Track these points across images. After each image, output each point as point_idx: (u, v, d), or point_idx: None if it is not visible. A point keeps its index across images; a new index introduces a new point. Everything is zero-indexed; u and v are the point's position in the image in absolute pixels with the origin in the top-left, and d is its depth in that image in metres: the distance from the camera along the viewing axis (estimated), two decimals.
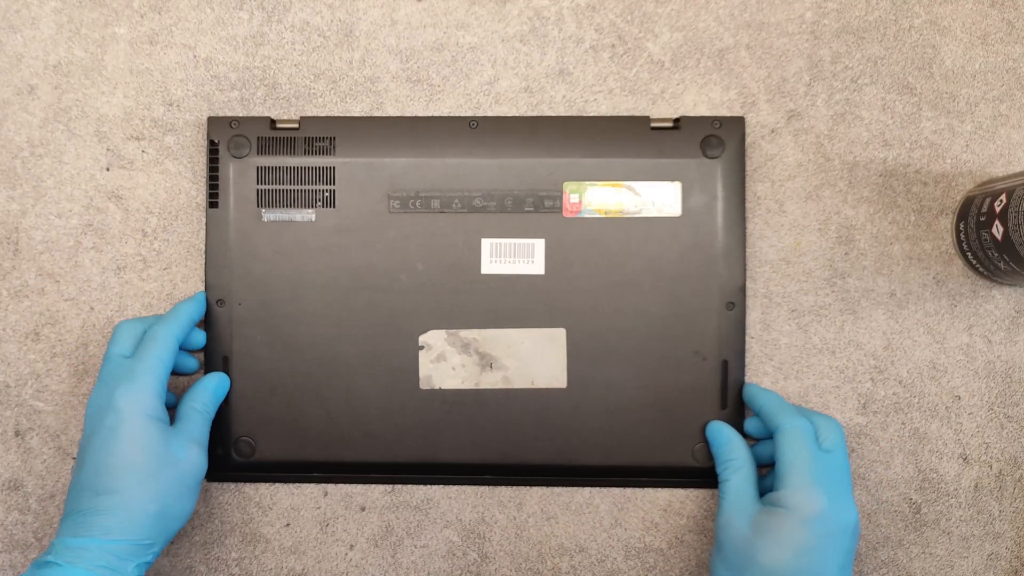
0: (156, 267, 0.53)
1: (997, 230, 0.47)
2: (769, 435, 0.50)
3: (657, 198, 0.52)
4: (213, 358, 0.52)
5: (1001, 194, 0.47)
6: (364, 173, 0.52)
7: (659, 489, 0.53)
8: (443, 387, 0.52)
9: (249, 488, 0.53)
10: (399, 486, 0.53)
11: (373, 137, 0.52)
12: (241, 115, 0.53)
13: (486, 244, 0.52)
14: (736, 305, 0.52)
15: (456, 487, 0.53)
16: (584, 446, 0.52)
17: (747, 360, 0.53)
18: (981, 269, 0.51)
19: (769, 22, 0.53)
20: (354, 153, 0.52)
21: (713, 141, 0.52)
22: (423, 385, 0.52)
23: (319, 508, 0.53)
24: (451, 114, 0.53)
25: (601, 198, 0.52)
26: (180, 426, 0.48)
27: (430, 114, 0.53)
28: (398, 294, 0.52)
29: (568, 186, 0.52)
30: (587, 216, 0.52)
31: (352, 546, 0.53)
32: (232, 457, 0.52)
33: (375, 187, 0.52)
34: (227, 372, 0.52)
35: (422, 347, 0.52)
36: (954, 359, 0.53)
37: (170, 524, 0.46)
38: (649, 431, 0.52)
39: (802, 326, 0.53)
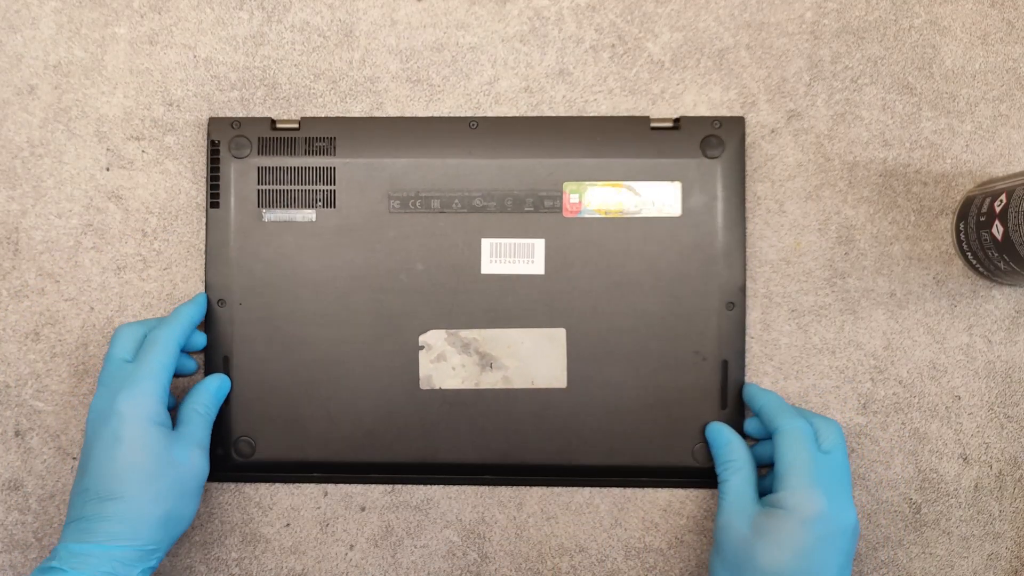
0: (156, 267, 0.53)
1: (997, 230, 0.47)
2: (769, 435, 0.50)
3: (657, 198, 0.52)
4: (213, 358, 0.52)
5: (1001, 194, 0.47)
6: (364, 173, 0.52)
7: (659, 489, 0.53)
8: (443, 387, 0.52)
9: (249, 488, 0.53)
10: (399, 486, 0.53)
11: (373, 137, 0.52)
12: (241, 115, 0.53)
13: (486, 244, 0.52)
14: (736, 305, 0.52)
15: (456, 487, 0.53)
16: (584, 446, 0.52)
17: (747, 360, 0.53)
18: (981, 269, 0.51)
19: (769, 22, 0.53)
20: (354, 153, 0.52)
21: (713, 141, 0.52)
22: (423, 385, 0.52)
23: (319, 508, 0.53)
24: (451, 114, 0.53)
25: (601, 198, 0.52)
26: (182, 430, 0.48)
27: (430, 114, 0.53)
28: (398, 294, 0.52)
29: (568, 186, 0.52)
30: (587, 216, 0.52)
31: (352, 546, 0.53)
32: (232, 457, 0.52)
33: (375, 187, 0.52)
34: (227, 372, 0.52)
35: (422, 347, 0.52)
36: (954, 359, 0.53)
37: (174, 528, 0.46)
38: (649, 431, 0.52)
39: (802, 326, 0.53)
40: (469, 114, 0.53)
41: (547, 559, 0.53)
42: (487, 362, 0.52)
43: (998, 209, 0.47)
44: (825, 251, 0.53)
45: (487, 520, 0.53)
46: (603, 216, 0.52)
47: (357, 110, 0.53)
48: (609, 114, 0.53)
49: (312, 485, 0.53)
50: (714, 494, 0.53)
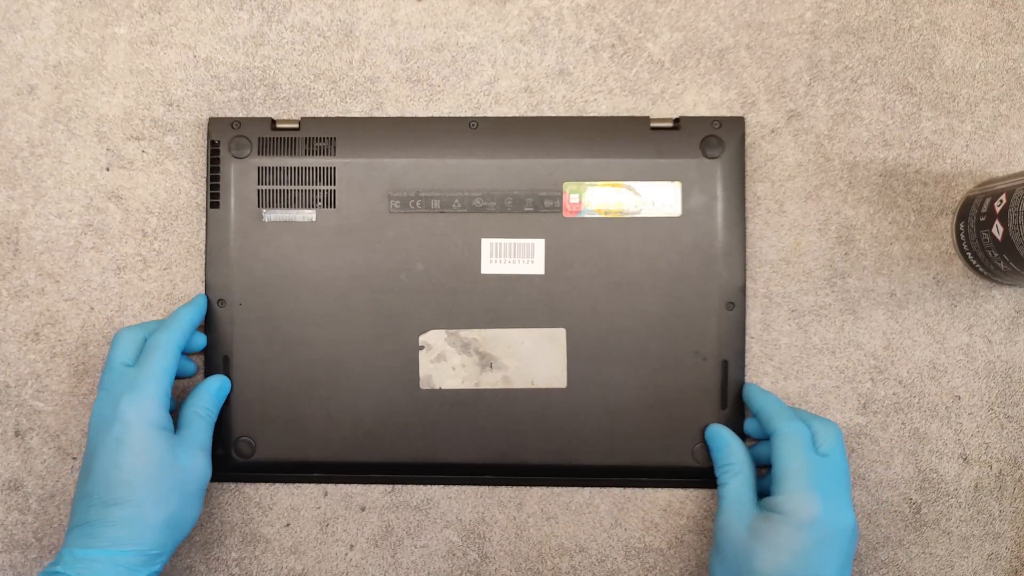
0: (156, 267, 0.53)
1: (997, 230, 0.47)
2: (768, 435, 0.50)
3: (657, 198, 0.52)
4: (213, 358, 0.52)
5: (1001, 194, 0.47)
6: (364, 173, 0.52)
7: (659, 489, 0.53)
8: (443, 387, 0.52)
9: (249, 488, 0.53)
10: (399, 486, 0.53)
11: (373, 137, 0.52)
12: (241, 115, 0.53)
13: (486, 244, 0.52)
14: (736, 305, 0.52)
15: (456, 487, 0.53)
16: (584, 446, 0.52)
17: (747, 360, 0.53)
18: (981, 269, 0.51)
19: (769, 22, 0.53)
20: (354, 153, 0.52)
21: (713, 141, 0.52)
22: (423, 385, 0.52)
23: (319, 508, 0.53)
24: (451, 114, 0.53)
25: (601, 198, 0.52)
26: (184, 433, 0.48)
27: (430, 114, 0.53)
28: (398, 294, 0.52)
29: (568, 186, 0.52)
30: (587, 216, 0.52)
31: (352, 546, 0.53)
32: (232, 457, 0.52)
33: (375, 187, 0.52)
34: (227, 372, 0.52)
35: (422, 347, 0.52)
36: (954, 359, 0.53)
37: (178, 532, 0.47)
38: (649, 431, 0.52)
39: (802, 326, 0.53)
40: (469, 114, 0.53)
41: (547, 559, 0.53)
42: (487, 362, 0.52)
43: (998, 209, 0.47)
44: (825, 251, 0.53)
45: (487, 520, 0.53)
46: (603, 216, 0.52)
47: (357, 110, 0.53)
48: (609, 114, 0.53)
49: (312, 485, 0.53)
50: (714, 494, 0.53)
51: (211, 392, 0.50)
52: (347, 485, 0.53)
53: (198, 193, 0.53)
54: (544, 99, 0.53)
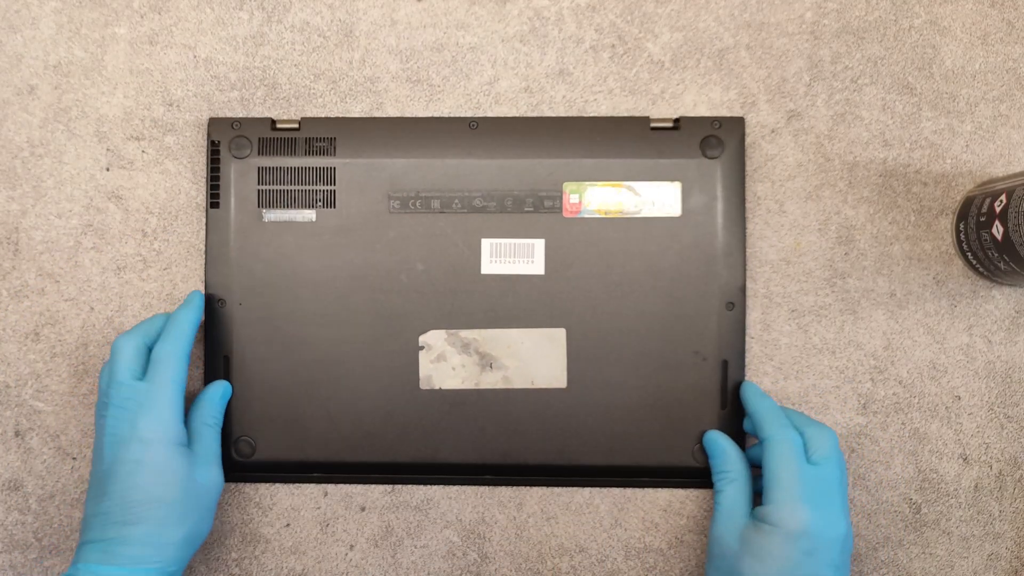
0: (156, 267, 0.53)
1: (997, 230, 0.47)
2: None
3: (657, 198, 0.52)
4: (213, 358, 0.52)
5: (1001, 194, 0.47)
6: (364, 173, 0.52)
7: (659, 489, 0.53)
8: (443, 387, 0.52)
9: (249, 488, 0.53)
10: (399, 486, 0.53)
11: (373, 137, 0.52)
12: (241, 115, 0.53)
13: (486, 244, 0.52)
14: (736, 305, 0.52)
15: (456, 487, 0.53)
16: (584, 446, 0.52)
17: (747, 360, 0.53)
18: (981, 269, 0.51)
19: (769, 22, 0.53)
20: (354, 153, 0.52)
21: (713, 141, 0.52)
22: (423, 385, 0.52)
23: (319, 508, 0.53)
24: (451, 114, 0.53)
25: (601, 198, 0.52)
26: (197, 447, 0.48)
27: (430, 114, 0.53)
28: (398, 294, 0.52)
29: (568, 186, 0.52)
30: (587, 216, 0.52)
31: (352, 546, 0.53)
32: (232, 457, 0.52)
33: (375, 187, 0.52)
34: (227, 372, 0.52)
35: (422, 347, 0.52)
36: (954, 359, 0.53)
37: (194, 545, 0.47)
38: (649, 431, 0.52)
39: (802, 326, 0.53)
40: (469, 114, 0.53)
41: (547, 559, 0.53)
42: (487, 362, 0.52)
43: (998, 209, 0.47)
44: (825, 251, 0.53)
45: (487, 520, 0.53)
46: (603, 216, 0.52)
47: (357, 110, 0.53)
48: (609, 114, 0.53)
49: (312, 485, 0.53)
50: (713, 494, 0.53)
51: (216, 400, 0.50)
52: (347, 485, 0.53)
53: (198, 193, 0.53)
54: (544, 99, 0.53)
